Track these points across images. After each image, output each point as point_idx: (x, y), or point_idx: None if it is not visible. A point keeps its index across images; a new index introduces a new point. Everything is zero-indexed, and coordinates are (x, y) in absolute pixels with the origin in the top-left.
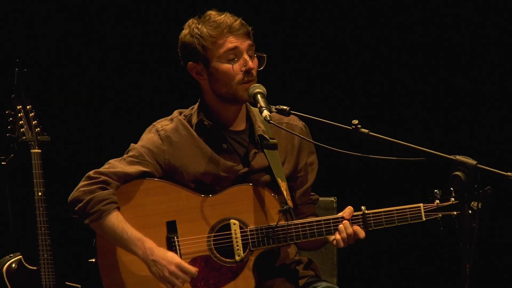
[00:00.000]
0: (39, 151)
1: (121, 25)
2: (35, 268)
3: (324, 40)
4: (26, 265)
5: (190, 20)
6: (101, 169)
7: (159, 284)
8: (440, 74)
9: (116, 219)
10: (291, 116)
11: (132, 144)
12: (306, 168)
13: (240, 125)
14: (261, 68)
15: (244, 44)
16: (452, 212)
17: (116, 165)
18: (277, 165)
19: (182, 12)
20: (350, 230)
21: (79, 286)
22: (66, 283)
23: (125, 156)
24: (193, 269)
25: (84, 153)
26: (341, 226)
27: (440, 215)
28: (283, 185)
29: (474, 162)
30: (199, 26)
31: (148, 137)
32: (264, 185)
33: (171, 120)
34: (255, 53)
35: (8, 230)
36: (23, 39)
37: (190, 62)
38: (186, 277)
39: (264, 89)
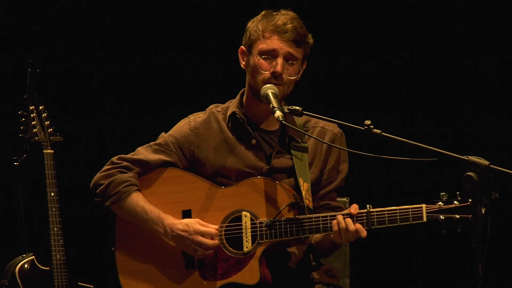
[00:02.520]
0: (52, 151)
1: (130, 23)
2: (47, 268)
3: (334, 38)
4: (39, 265)
5: (266, 11)
6: (125, 155)
7: (172, 272)
8: (452, 73)
9: (136, 200)
10: (328, 122)
11: (162, 133)
12: (331, 173)
13: (272, 125)
14: (293, 78)
15: (284, 49)
16: (454, 215)
17: (141, 152)
18: (302, 167)
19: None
20: (351, 226)
21: (92, 286)
22: (79, 283)
23: (152, 143)
24: (212, 230)
25: (97, 154)
26: (341, 223)
27: (442, 217)
28: (305, 186)
29: (486, 162)
30: (261, 18)
31: (179, 127)
32: (280, 180)
33: (205, 112)
34: (294, 62)
35: (21, 231)
36: (36, 39)
37: (242, 46)
38: (209, 241)
39: (276, 89)
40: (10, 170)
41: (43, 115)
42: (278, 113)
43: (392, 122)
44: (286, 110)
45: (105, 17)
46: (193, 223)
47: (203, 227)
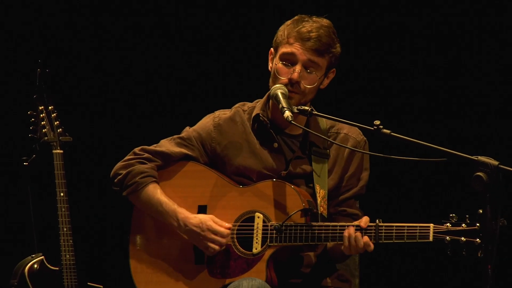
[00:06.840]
0: (61, 151)
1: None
2: (57, 268)
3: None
4: (48, 265)
5: (300, 16)
6: (148, 146)
7: (181, 266)
8: (459, 74)
9: (153, 192)
10: (354, 128)
11: (187, 127)
12: (351, 179)
13: (295, 129)
14: (310, 87)
15: (304, 56)
16: (460, 238)
17: (163, 144)
18: (321, 173)
19: None
20: (360, 240)
21: (101, 286)
22: (88, 283)
23: (175, 136)
24: (224, 230)
25: (106, 153)
26: (352, 235)
27: (448, 238)
28: (321, 193)
29: (496, 162)
30: (291, 23)
31: (203, 122)
32: (297, 186)
33: (231, 110)
34: (313, 71)
35: (30, 231)
36: (45, 39)
37: (272, 48)
38: (220, 239)
39: (286, 89)
40: (20, 170)
41: (52, 115)
42: (287, 113)
43: (400, 123)
44: (296, 111)
45: (119, 12)
46: (207, 219)
47: (216, 226)
